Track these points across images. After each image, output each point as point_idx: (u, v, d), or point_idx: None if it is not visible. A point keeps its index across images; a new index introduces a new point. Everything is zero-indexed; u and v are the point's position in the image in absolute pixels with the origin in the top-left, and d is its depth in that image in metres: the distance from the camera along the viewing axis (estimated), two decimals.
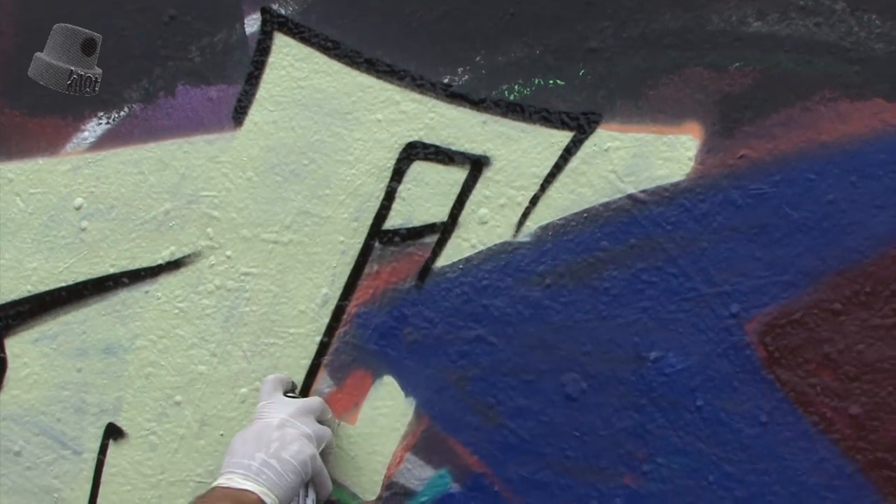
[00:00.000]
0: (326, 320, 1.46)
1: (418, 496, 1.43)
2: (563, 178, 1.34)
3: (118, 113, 1.54)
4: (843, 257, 1.23)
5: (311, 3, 1.43)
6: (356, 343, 1.45)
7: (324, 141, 1.44)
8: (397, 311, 1.42)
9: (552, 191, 1.34)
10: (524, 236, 1.36)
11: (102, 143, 1.54)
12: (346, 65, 1.42)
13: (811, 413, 1.25)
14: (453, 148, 1.38)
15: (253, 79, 1.46)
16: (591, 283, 1.33)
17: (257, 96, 1.46)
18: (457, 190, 1.39)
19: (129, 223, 1.54)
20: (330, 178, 1.44)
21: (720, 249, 1.27)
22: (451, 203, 1.39)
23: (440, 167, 1.39)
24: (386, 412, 1.43)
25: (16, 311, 1.61)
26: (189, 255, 1.52)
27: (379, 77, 1.41)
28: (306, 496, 1.34)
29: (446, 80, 1.38)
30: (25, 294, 1.60)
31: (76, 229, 1.57)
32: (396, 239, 1.42)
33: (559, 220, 1.34)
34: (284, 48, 1.45)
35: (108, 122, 1.54)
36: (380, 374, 1.44)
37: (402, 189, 1.41)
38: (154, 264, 1.54)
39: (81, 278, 1.58)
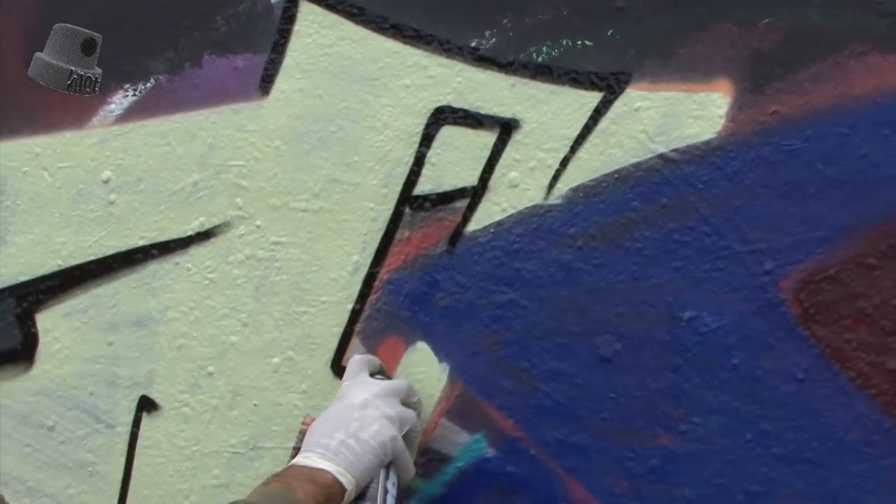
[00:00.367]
0: (358, 287, 1.45)
1: (454, 461, 1.42)
2: (593, 139, 1.33)
3: (144, 85, 1.53)
4: (877, 211, 1.22)
5: None
6: (388, 310, 1.44)
7: (351, 108, 1.43)
8: (429, 276, 1.42)
9: (582, 152, 1.33)
10: (555, 199, 1.35)
11: (129, 115, 1.54)
12: (373, 31, 1.41)
13: (848, 369, 1.24)
14: (482, 112, 1.38)
15: (279, 47, 1.46)
16: (623, 245, 1.32)
17: (284, 65, 1.46)
18: (486, 154, 1.38)
19: (158, 195, 1.54)
20: (358, 144, 1.43)
21: (753, 207, 1.26)
22: (480, 167, 1.38)
23: (469, 131, 1.38)
24: (420, 378, 1.43)
25: (46, 286, 1.61)
26: (218, 226, 1.52)
27: (406, 42, 1.40)
28: (387, 478, 1.30)
29: (473, 44, 1.37)
30: (55, 268, 1.61)
31: (104, 202, 1.57)
32: (427, 204, 1.41)
33: (590, 181, 1.33)
34: (310, 16, 1.44)
35: (134, 94, 1.54)
36: (413, 341, 1.44)
37: (432, 154, 1.40)
38: (184, 235, 1.54)
39: (111, 251, 1.58)
